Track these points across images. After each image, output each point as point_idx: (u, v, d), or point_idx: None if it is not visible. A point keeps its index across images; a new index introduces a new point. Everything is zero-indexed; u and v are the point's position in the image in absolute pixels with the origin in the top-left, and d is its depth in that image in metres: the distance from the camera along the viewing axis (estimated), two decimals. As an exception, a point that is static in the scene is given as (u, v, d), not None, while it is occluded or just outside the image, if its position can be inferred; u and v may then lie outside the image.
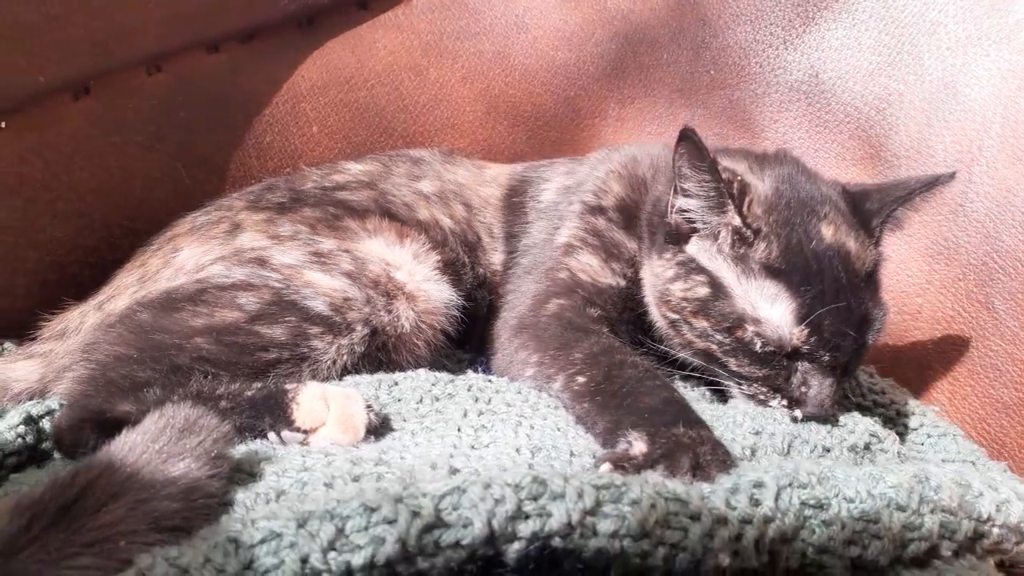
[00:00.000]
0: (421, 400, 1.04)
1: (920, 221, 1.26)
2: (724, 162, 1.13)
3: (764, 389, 1.08)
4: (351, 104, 1.62)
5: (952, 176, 1.15)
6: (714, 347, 1.09)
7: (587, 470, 0.70)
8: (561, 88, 1.70)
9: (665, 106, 1.68)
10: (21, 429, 1.01)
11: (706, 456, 0.87)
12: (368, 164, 1.41)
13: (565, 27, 1.67)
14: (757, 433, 1.00)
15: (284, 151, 1.58)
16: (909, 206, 1.16)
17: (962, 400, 1.32)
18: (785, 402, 1.07)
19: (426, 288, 1.20)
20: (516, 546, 0.65)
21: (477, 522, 0.64)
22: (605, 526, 0.66)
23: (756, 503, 0.74)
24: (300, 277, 1.13)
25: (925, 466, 0.80)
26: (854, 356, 1.10)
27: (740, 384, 1.10)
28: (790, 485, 0.76)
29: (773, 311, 1.04)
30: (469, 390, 1.07)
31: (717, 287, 1.08)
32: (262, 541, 0.63)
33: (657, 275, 1.15)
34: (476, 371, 1.19)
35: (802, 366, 1.06)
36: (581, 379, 1.04)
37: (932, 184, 1.14)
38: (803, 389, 1.06)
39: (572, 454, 0.90)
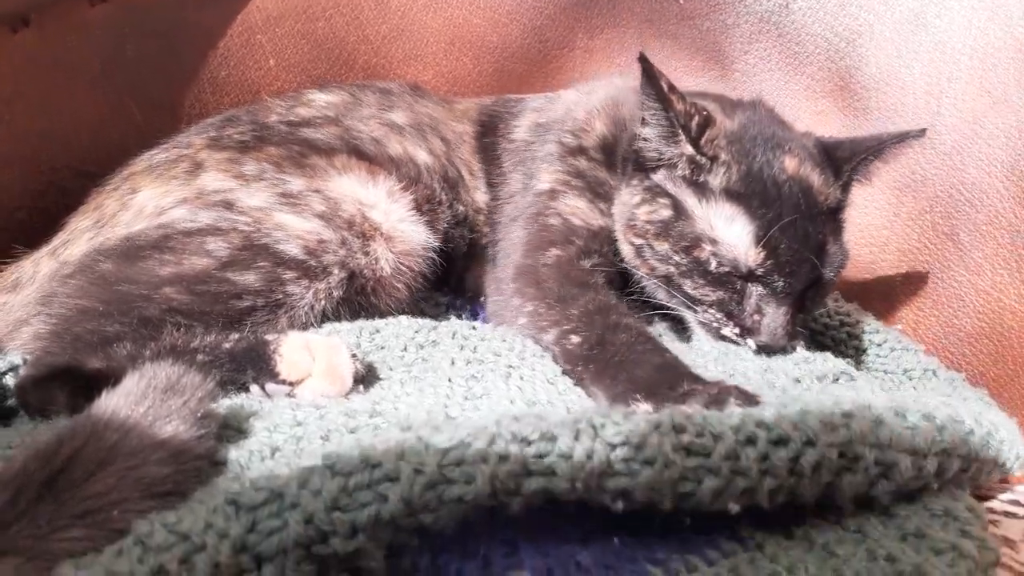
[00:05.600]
0: (405, 348, 1.03)
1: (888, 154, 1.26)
2: (696, 100, 1.14)
3: (718, 315, 1.10)
4: (309, 35, 1.54)
5: (922, 132, 1.17)
6: (672, 269, 1.11)
7: (599, 422, 0.66)
8: (527, 18, 1.64)
9: (634, 37, 1.64)
10: (-17, 388, 0.96)
11: (714, 392, 0.86)
12: (334, 95, 1.35)
13: (531, -48, 1.61)
14: (730, 376, 1.02)
15: (241, 86, 1.50)
16: (880, 157, 1.17)
17: (926, 329, 1.36)
18: (737, 330, 1.09)
19: (403, 228, 1.17)
20: (519, 499, 0.64)
21: (479, 480, 0.62)
22: (615, 484, 0.64)
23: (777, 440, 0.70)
24: (270, 220, 1.09)
25: (928, 400, 0.81)
26: (812, 290, 1.12)
27: (696, 310, 1.11)
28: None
29: (730, 231, 1.06)
30: (453, 337, 1.06)
31: (679, 210, 1.11)
32: (264, 503, 0.61)
33: (625, 202, 1.17)
34: (460, 317, 1.18)
35: (756, 290, 1.08)
36: (575, 338, 1.03)
37: (903, 138, 1.16)
38: (756, 317, 1.07)
39: (568, 410, 0.88)
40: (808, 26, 1.52)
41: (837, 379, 1.05)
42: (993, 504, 0.97)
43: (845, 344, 1.27)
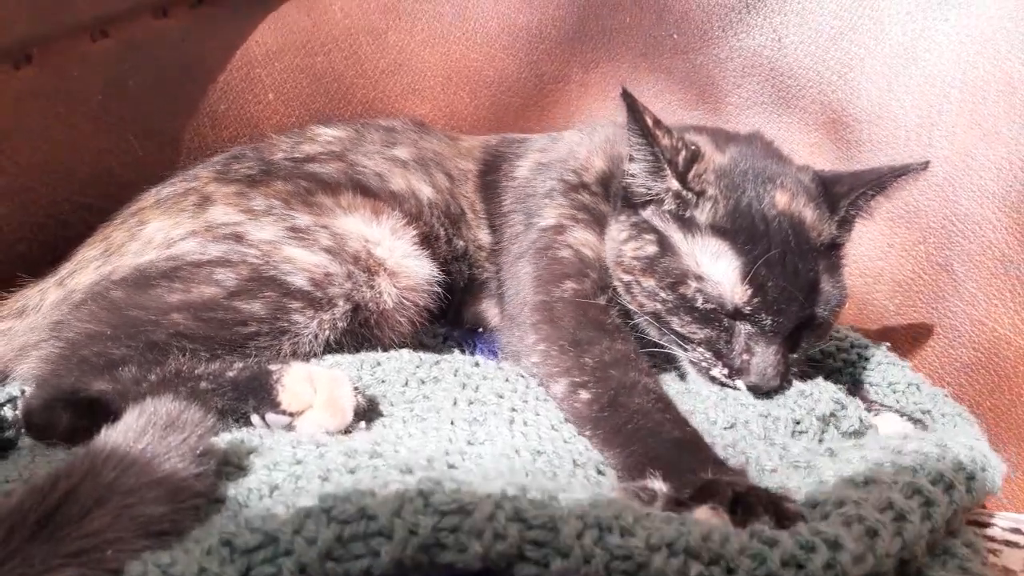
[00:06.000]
0: (407, 383, 1.02)
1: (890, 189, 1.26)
2: (686, 135, 1.14)
3: (707, 354, 1.07)
4: (308, 70, 1.56)
5: (925, 165, 1.13)
6: (659, 306, 1.08)
7: (605, 518, 0.63)
8: (523, 52, 1.66)
9: (629, 71, 1.66)
10: (-19, 419, 0.97)
11: (741, 490, 0.79)
12: (340, 130, 1.37)
13: (526, -11, 1.64)
14: (732, 426, 1.00)
15: (240, 119, 1.52)
16: (883, 192, 1.13)
17: (921, 360, 1.36)
18: (726, 371, 1.06)
19: (407, 264, 1.18)
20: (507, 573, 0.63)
21: (471, 552, 0.61)
22: None
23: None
24: (279, 253, 1.10)
25: (928, 448, 0.81)
26: (805, 329, 1.09)
27: (685, 349, 1.09)
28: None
29: (716, 267, 1.05)
30: (455, 375, 1.05)
31: (665, 246, 1.09)
32: (259, 547, 0.61)
33: (613, 238, 1.16)
34: (463, 349, 1.18)
35: (744, 329, 1.05)
36: (585, 395, 1.00)
37: (904, 172, 1.12)
38: (745, 357, 1.05)
39: (575, 463, 0.87)
40: (800, 60, 1.54)
41: (834, 413, 1.05)
42: (994, 532, 0.97)
43: (833, 357, 1.28)
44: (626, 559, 0.62)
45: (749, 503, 0.76)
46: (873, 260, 1.44)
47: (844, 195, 1.13)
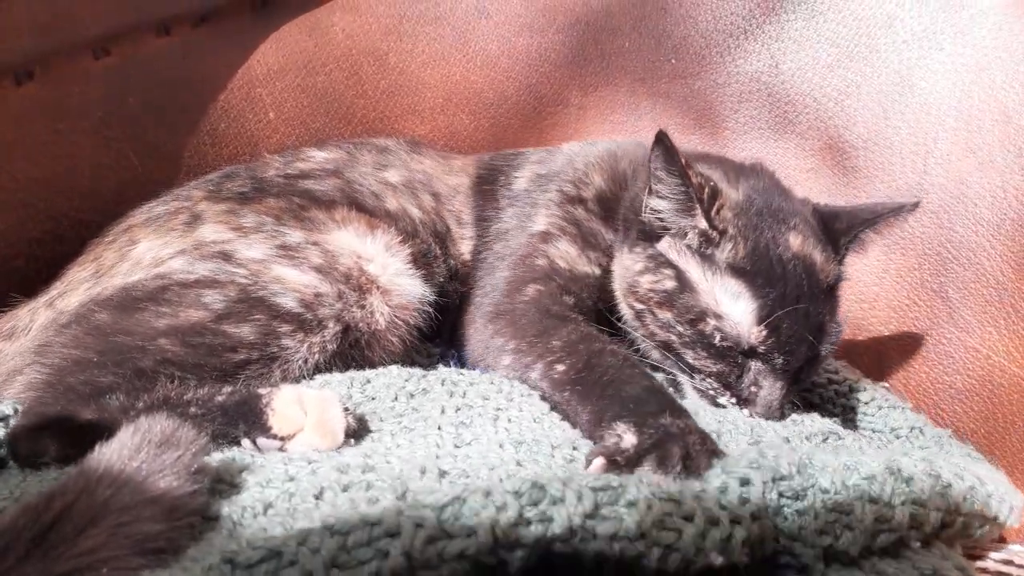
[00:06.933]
0: (396, 398, 1.03)
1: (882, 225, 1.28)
2: (699, 168, 1.16)
3: (716, 385, 1.11)
4: (309, 89, 1.57)
5: (916, 205, 1.20)
6: (674, 338, 1.11)
7: (581, 474, 0.70)
8: (523, 75, 1.68)
9: (627, 95, 1.68)
10: (-28, 438, 0.95)
11: (695, 446, 0.86)
12: (332, 152, 1.37)
13: (526, 13, 1.66)
14: (719, 422, 1.03)
15: (240, 138, 1.53)
16: (875, 229, 1.20)
17: (916, 386, 1.36)
18: (734, 400, 1.10)
19: (400, 282, 1.18)
20: (519, 553, 0.64)
21: (481, 530, 0.63)
22: (604, 528, 0.65)
23: (744, 501, 0.74)
24: (268, 272, 1.09)
25: (896, 456, 0.82)
26: (807, 365, 1.14)
27: (693, 377, 1.12)
28: (773, 479, 0.76)
29: (735, 308, 1.08)
30: (443, 384, 1.06)
31: (683, 282, 1.11)
32: (261, 561, 0.60)
33: (627, 267, 1.18)
34: (448, 365, 1.18)
35: (755, 366, 1.09)
36: (560, 367, 1.05)
37: (898, 210, 1.19)
38: (753, 389, 1.09)
39: (553, 446, 0.91)
40: (797, 86, 1.56)
41: (826, 439, 1.06)
42: (986, 564, 0.97)
43: (833, 403, 1.27)
44: (605, 490, 0.68)
45: (692, 458, 0.84)
46: (869, 286, 1.45)
47: (844, 232, 1.18)
